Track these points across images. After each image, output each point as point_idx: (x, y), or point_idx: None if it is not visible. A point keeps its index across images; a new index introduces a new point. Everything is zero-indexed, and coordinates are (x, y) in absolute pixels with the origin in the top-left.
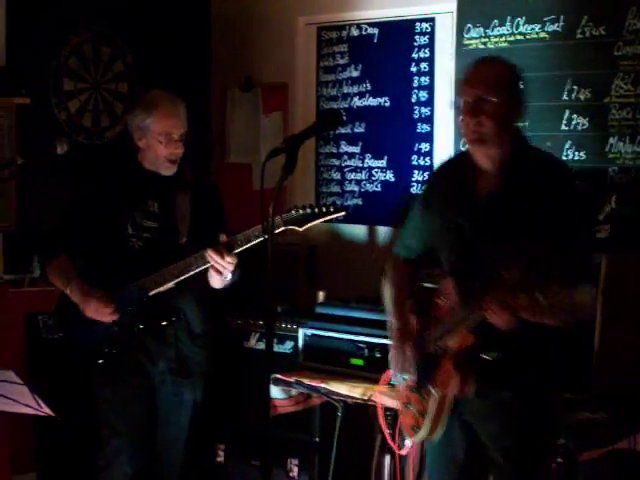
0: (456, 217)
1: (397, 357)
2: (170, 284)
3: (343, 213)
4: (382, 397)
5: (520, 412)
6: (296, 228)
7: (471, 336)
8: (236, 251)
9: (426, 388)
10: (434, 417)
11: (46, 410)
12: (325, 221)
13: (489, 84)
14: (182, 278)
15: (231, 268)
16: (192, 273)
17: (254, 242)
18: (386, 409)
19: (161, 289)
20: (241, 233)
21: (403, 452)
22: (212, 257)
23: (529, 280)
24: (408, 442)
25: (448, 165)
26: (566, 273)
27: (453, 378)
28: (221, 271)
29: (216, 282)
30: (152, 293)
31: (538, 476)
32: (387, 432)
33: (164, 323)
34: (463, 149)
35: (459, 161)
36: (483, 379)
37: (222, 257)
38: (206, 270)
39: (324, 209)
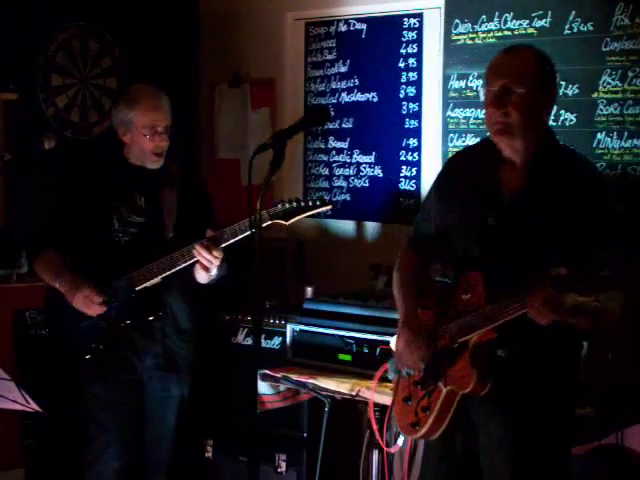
0: (480, 211)
1: (406, 351)
2: (157, 279)
3: (330, 207)
4: (371, 393)
5: (529, 417)
6: (282, 222)
7: (493, 332)
8: (223, 245)
9: (434, 383)
10: (438, 414)
11: (34, 406)
12: (312, 215)
13: (516, 73)
14: (169, 273)
15: (217, 263)
16: (179, 268)
17: (241, 236)
18: (375, 405)
19: (148, 284)
20: (228, 227)
21: (392, 450)
22: (199, 252)
23: (580, 279)
24: (400, 441)
25: (469, 153)
26: (614, 274)
27: (470, 375)
28: (207, 266)
29: (202, 277)
30: (139, 288)
31: None
32: (376, 429)
33: (151, 318)
34: (485, 137)
35: (482, 150)
36: (496, 378)
37: (209, 252)
38: (192, 265)
39: (310, 203)
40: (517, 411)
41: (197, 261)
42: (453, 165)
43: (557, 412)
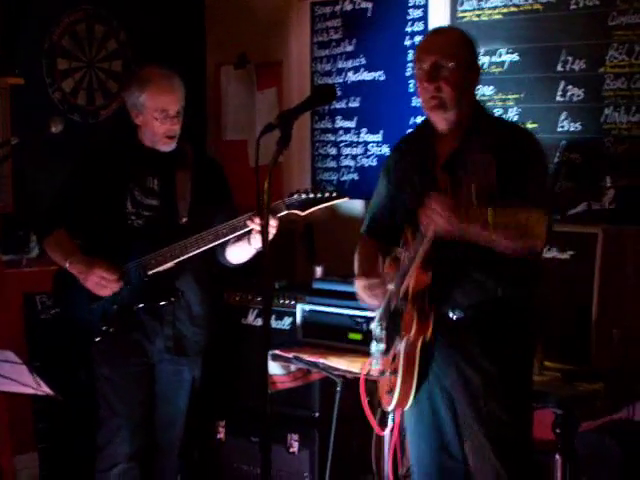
0: (416, 179)
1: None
2: (170, 264)
3: (346, 199)
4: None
5: (501, 377)
6: (298, 212)
7: (425, 274)
8: (280, 215)
9: (392, 342)
10: (404, 372)
11: (45, 389)
12: (327, 206)
13: (445, 49)
14: (182, 258)
15: (274, 231)
16: (193, 253)
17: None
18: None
19: (160, 269)
20: (280, 200)
21: (383, 433)
22: (254, 221)
23: (481, 194)
24: (390, 420)
25: (409, 137)
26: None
27: (413, 316)
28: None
29: (245, 254)
30: (151, 272)
31: (519, 445)
32: (369, 412)
33: (163, 303)
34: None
35: (420, 131)
36: (453, 339)
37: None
38: (207, 251)
39: (327, 194)
40: (487, 374)
41: (247, 232)
42: (398, 149)
43: (515, 365)
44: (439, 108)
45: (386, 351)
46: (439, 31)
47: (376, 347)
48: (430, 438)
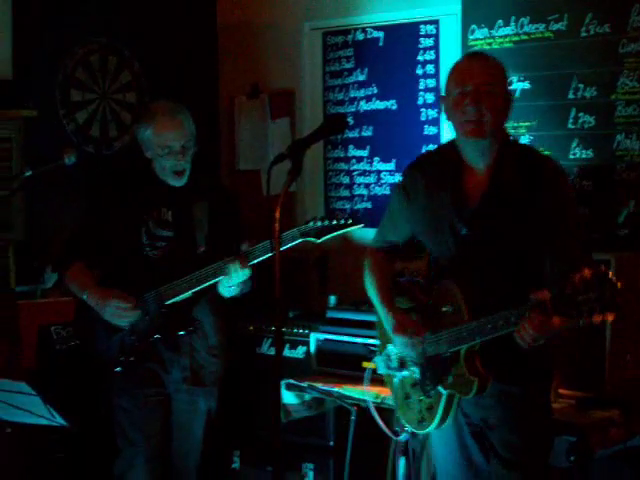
0: (448, 217)
1: (407, 350)
2: (187, 294)
3: (361, 225)
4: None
5: (527, 407)
6: (313, 240)
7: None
8: (252, 262)
9: (432, 387)
10: (443, 414)
11: (60, 420)
12: (342, 233)
13: (491, 73)
14: (199, 288)
15: (244, 279)
16: (209, 283)
17: (271, 254)
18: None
19: (177, 299)
20: (260, 244)
21: (402, 439)
22: (229, 267)
23: (562, 302)
24: (408, 429)
25: (430, 159)
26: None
27: (471, 382)
28: (235, 281)
29: (226, 292)
30: (168, 303)
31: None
32: (381, 422)
33: (181, 333)
34: (444, 143)
35: (443, 156)
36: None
37: (242, 267)
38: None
39: (342, 221)
40: (513, 402)
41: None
42: (416, 169)
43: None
44: (477, 134)
45: (415, 385)
46: (480, 56)
47: (400, 373)
48: (456, 452)
